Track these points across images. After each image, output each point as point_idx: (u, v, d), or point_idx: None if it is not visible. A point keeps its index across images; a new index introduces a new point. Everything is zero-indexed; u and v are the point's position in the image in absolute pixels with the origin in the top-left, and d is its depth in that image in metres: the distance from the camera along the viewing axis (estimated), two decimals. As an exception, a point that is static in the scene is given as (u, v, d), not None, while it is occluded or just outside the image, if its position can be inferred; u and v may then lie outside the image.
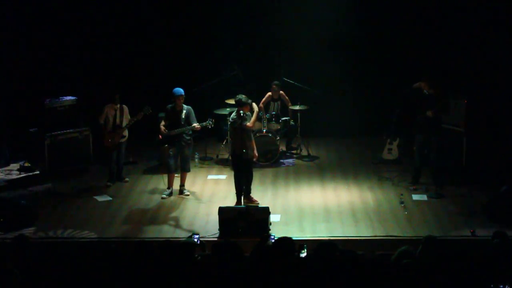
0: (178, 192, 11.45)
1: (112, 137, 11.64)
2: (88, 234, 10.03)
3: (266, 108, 13.27)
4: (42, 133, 12.24)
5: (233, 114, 10.73)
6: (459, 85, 12.51)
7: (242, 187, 10.77)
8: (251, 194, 10.90)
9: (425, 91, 11.14)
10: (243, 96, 10.68)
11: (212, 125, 11.30)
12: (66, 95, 12.73)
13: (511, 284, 6.47)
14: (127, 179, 12.08)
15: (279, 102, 13.37)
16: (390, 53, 14.02)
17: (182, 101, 11.08)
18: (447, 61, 13.54)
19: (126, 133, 11.77)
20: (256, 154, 10.91)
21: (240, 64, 13.69)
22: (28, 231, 9.99)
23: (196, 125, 11.07)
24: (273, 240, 7.71)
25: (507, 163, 11.76)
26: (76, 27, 14.09)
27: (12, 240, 8.00)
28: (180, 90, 11.07)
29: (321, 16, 13.92)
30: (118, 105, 11.63)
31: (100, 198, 11.35)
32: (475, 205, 10.70)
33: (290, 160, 13.22)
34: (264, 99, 13.30)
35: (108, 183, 11.86)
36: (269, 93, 13.34)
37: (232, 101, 13.04)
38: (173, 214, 10.72)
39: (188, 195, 11.43)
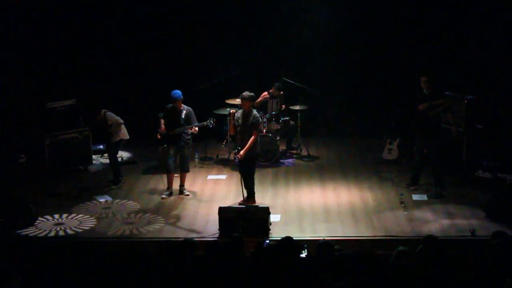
0: (178, 192, 11.45)
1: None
2: (89, 233, 10.05)
3: (263, 106, 13.17)
4: (42, 133, 12.23)
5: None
6: (459, 85, 12.50)
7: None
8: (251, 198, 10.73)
9: (425, 91, 11.13)
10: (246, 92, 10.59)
11: (213, 125, 11.27)
12: (66, 96, 12.71)
13: None
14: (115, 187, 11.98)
15: (277, 100, 13.26)
16: (390, 53, 14.03)
17: (180, 103, 11.06)
18: (447, 61, 13.54)
19: (118, 135, 11.78)
20: (241, 154, 10.45)
21: (240, 64, 13.68)
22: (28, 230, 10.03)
23: (192, 127, 10.99)
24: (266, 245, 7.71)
25: (507, 163, 11.78)
26: (76, 28, 14.10)
27: (17, 240, 7.98)
28: (178, 93, 11.01)
29: (321, 16, 13.95)
30: (103, 116, 11.69)
31: (100, 198, 11.35)
32: (475, 205, 10.71)
33: (290, 160, 13.22)
34: (260, 98, 13.17)
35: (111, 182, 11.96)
36: (265, 93, 13.23)
37: (232, 101, 13.05)
38: (173, 214, 10.72)
39: (188, 195, 11.42)
